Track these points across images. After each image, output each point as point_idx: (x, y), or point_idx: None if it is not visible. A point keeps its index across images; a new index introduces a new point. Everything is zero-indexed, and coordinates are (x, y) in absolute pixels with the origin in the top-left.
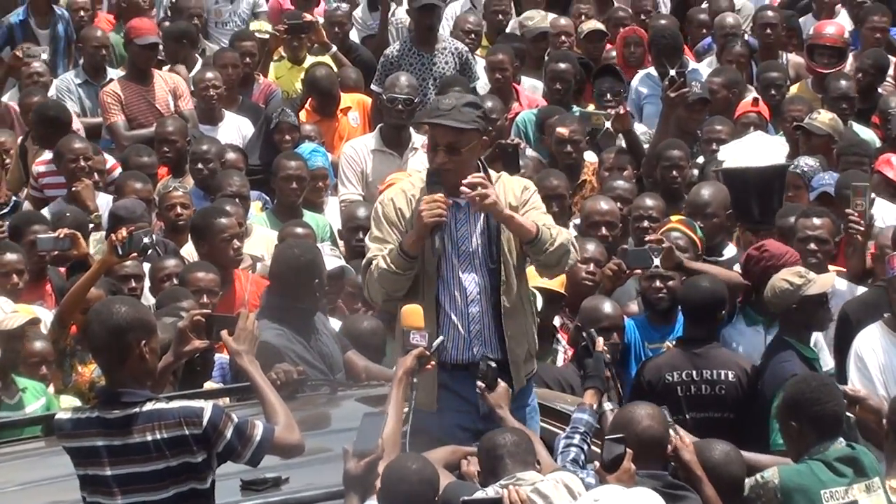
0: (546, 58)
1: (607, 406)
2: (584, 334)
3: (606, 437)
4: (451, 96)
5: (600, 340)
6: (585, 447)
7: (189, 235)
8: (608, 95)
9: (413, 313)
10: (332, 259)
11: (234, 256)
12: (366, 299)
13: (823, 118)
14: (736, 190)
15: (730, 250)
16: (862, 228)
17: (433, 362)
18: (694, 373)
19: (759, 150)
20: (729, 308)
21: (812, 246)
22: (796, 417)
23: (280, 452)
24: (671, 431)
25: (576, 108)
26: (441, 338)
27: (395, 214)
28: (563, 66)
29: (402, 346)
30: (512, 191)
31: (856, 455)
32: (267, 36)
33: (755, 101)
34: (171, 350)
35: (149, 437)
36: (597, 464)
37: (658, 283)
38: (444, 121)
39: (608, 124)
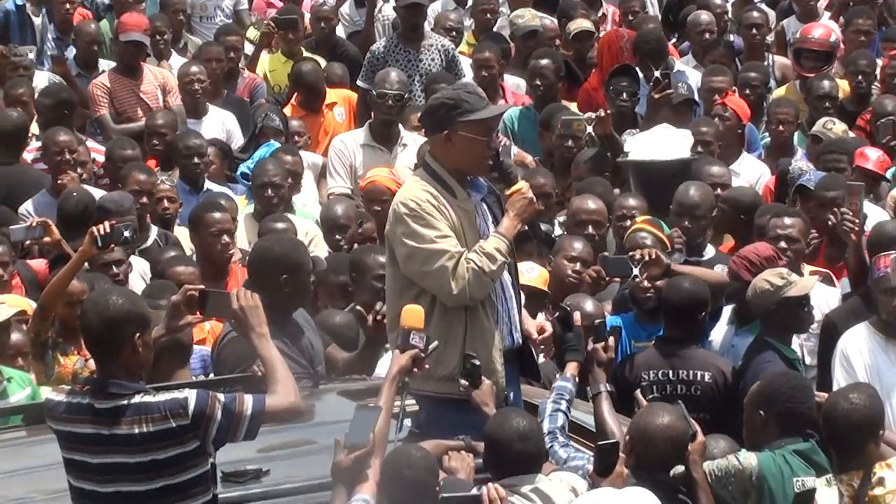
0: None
1: (604, 388)
2: (563, 310)
3: (599, 443)
4: (473, 85)
5: (577, 315)
6: (568, 416)
7: (189, 228)
8: (624, 95)
9: (414, 314)
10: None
11: (220, 251)
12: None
13: (837, 129)
14: (643, 182)
15: (709, 251)
16: (856, 228)
17: (427, 365)
18: (670, 372)
19: (663, 142)
20: (713, 307)
21: (782, 244)
22: (766, 408)
23: (276, 419)
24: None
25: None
26: (436, 342)
27: (437, 210)
28: (543, 62)
29: (400, 345)
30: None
31: (812, 450)
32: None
33: (725, 93)
34: (162, 323)
35: (136, 430)
36: (590, 468)
37: (646, 283)
38: (504, 108)
39: (590, 129)
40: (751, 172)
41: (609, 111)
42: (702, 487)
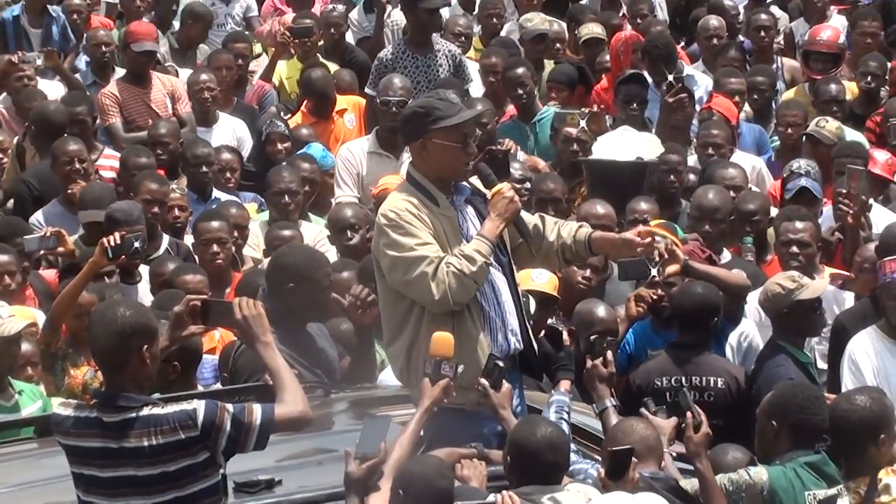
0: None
1: (609, 402)
2: (552, 329)
3: (612, 448)
4: (445, 91)
5: (565, 334)
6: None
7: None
8: (634, 104)
9: (444, 342)
10: None
11: (209, 260)
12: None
13: (831, 127)
14: (598, 181)
15: (725, 255)
16: (850, 211)
17: (454, 393)
18: (683, 378)
19: (622, 145)
20: (733, 310)
21: (794, 249)
22: (778, 418)
23: (286, 428)
24: (688, 415)
25: (548, 108)
26: (462, 367)
27: (417, 219)
28: (520, 71)
29: (431, 375)
30: None
31: (822, 461)
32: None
33: (710, 97)
34: (166, 334)
35: (145, 443)
36: (594, 474)
37: (660, 290)
38: (477, 111)
39: (583, 123)
40: (745, 167)
41: (601, 108)
42: (707, 479)
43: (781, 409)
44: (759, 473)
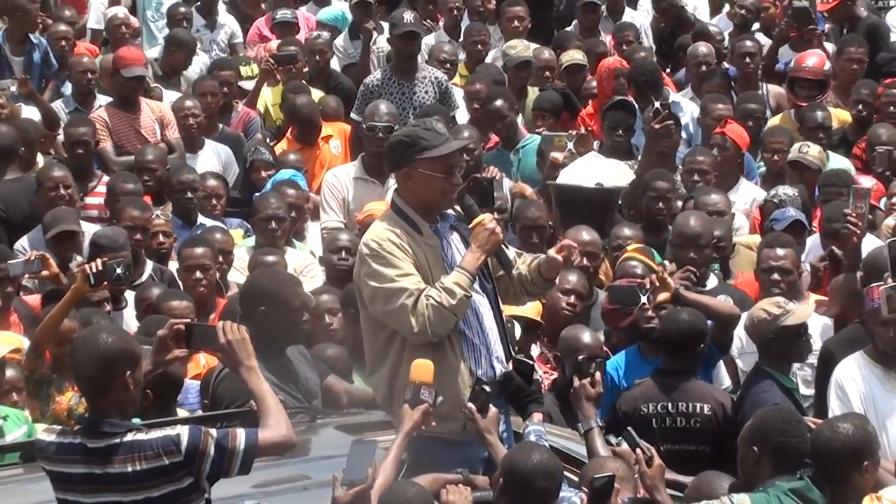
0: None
1: (594, 423)
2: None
3: (594, 477)
4: (432, 121)
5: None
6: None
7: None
8: (619, 130)
9: (424, 368)
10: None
11: (192, 286)
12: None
13: (813, 152)
14: (562, 206)
15: (712, 281)
16: (858, 231)
17: (433, 423)
18: (669, 405)
19: (590, 171)
20: (723, 339)
21: (775, 276)
22: (759, 444)
23: (270, 452)
24: (637, 451)
25: (531, 136)
26: (441, 397)
27: (399, 250)
28: (498, 103)
29: (410, 400)
30: None
31: (806, 488)
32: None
33: (724, 122)
34: (149, 359)
35: (129, 468)
36: (577, 502)
37: (650, 313)
38: (465, 142)
39: (570, 146)
40: (746, 198)
41: (588, 130)
42: None
43: (762, 434)
44: (742, 501)
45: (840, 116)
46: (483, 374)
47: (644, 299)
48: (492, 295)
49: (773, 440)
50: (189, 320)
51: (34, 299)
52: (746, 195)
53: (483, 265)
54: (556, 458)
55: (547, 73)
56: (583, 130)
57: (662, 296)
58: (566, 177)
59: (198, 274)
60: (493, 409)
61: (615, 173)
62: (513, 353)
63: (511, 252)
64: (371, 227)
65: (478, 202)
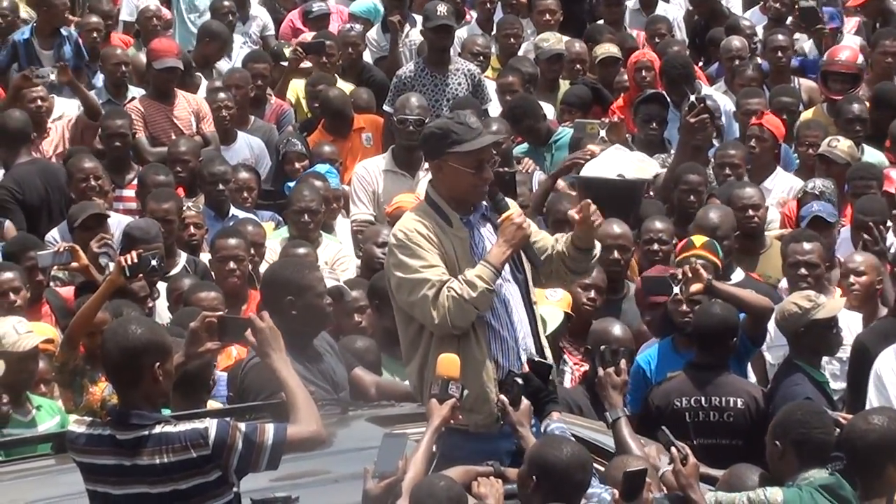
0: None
1: (621, 412)
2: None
3: (626, 470)
4: (466, 114)
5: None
6: None
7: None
8: (653, 123)
9: (450, 363)
10: (329, 281)
11: (225, 276)
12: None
13: (843, 146)
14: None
15: (737, 274)
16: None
17: (461, 416)
18: (703, 399)
19: (615, 163)
20: (758, 332)
21: (802, 271)
22: (781, 438)
23: (299, 448)
24: (672, 450)
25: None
26: (466, 390)
27: (427, 241)
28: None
29: (438, 395)
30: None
31: (838, 484)
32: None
33: (760, 114)
34: (182, 351)
35: (157, 461)
36: (607, 497)
37: (684, 307)
38: (496, 137)
39: (603, 133)
40: (784, 186)
41: (621, 118)
42: None
43: (783, 429)
44: (775, 494)
45: None
46: (511, 366)
47: (677, 289)
48: (523, 286)
49: (794, 433)
50: (222, 313)
51: (67, 291)
52: (784, 184)
53: (512, 258)
54: (585, 449)
55: (578, 66)
56: (616, 118)
57: (695, 287)
58: (590, 169)
59: (231, 265)
60: (525, 402)
61: (639, 165)
62: (543, 347)
63: (549, 240)
64: (402, 217)
65: (504, 200)
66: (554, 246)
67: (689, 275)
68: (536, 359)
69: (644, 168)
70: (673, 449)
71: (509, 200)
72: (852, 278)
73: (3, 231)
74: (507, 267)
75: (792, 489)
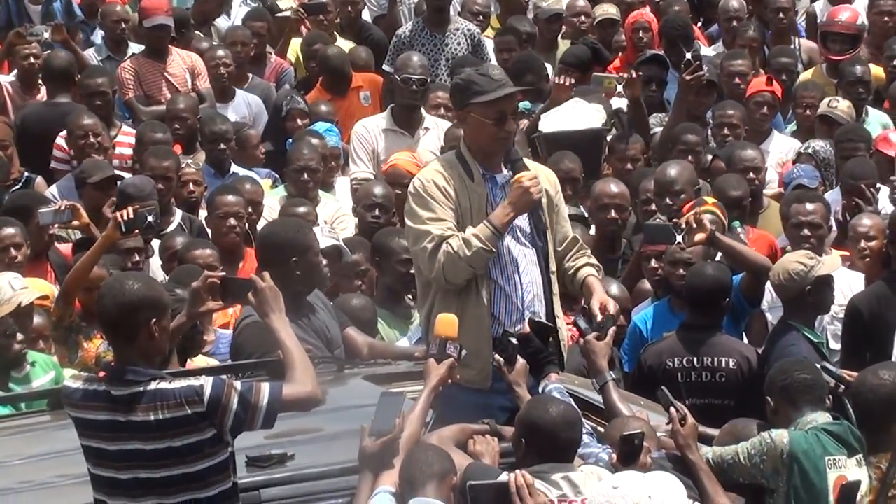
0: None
1: (608, 376)
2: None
3: (623, 434)
4: (489, 66)
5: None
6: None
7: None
8: (653, 85)
9: (449, 323)
10: (328, 240)
11: (224, 234)
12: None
13: (843, 106)
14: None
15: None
16: None
17: (458, 375)
18: (695, 359)
19: (575, 115)
20: (756, 290)
21: (805, 231)
22: (770, 394)
23: (294, 407)
24: (671, 410)
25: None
26: (465, 351)
27: (442, 194)
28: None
29: (436, 355)
30: (548, 179)
31: (844, 429)
32: (287, 14)
33: (769, 80)
34: (184, 311)
35: (151, 417)
36: (605, 458)
37: (681, 270)
38: (514, 89)
39: (620, 88)
40: (782, 147)
41: (639, 74)
42: (700, 468)
43: (769, 385)
44: (781, 436)
45: (876, 73)
46: (510, 326)
47: (679, 238)
48: (541, 253)
49: (779, 382)
50: (223, 273)
51: (66, 248)
52: (784, 145)
53: (534, 225)
54: (575, 408)
55: (584, 19)
56: (633, 74)
57: (699, 236)
58: (551, 123)
59: (231, 221)
60: (520, 361)
61: (599, 116)
62: (556, 317)
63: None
64: (426, 165)
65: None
66: (566, 247)
67: (694, 225)
68: (537, 319)
69: (601, 118)
70: (672, 409)
71: (529, 162)
72: (863, 243)
73: (35, 185)
74: (525, 230)
75: (798, 432)
